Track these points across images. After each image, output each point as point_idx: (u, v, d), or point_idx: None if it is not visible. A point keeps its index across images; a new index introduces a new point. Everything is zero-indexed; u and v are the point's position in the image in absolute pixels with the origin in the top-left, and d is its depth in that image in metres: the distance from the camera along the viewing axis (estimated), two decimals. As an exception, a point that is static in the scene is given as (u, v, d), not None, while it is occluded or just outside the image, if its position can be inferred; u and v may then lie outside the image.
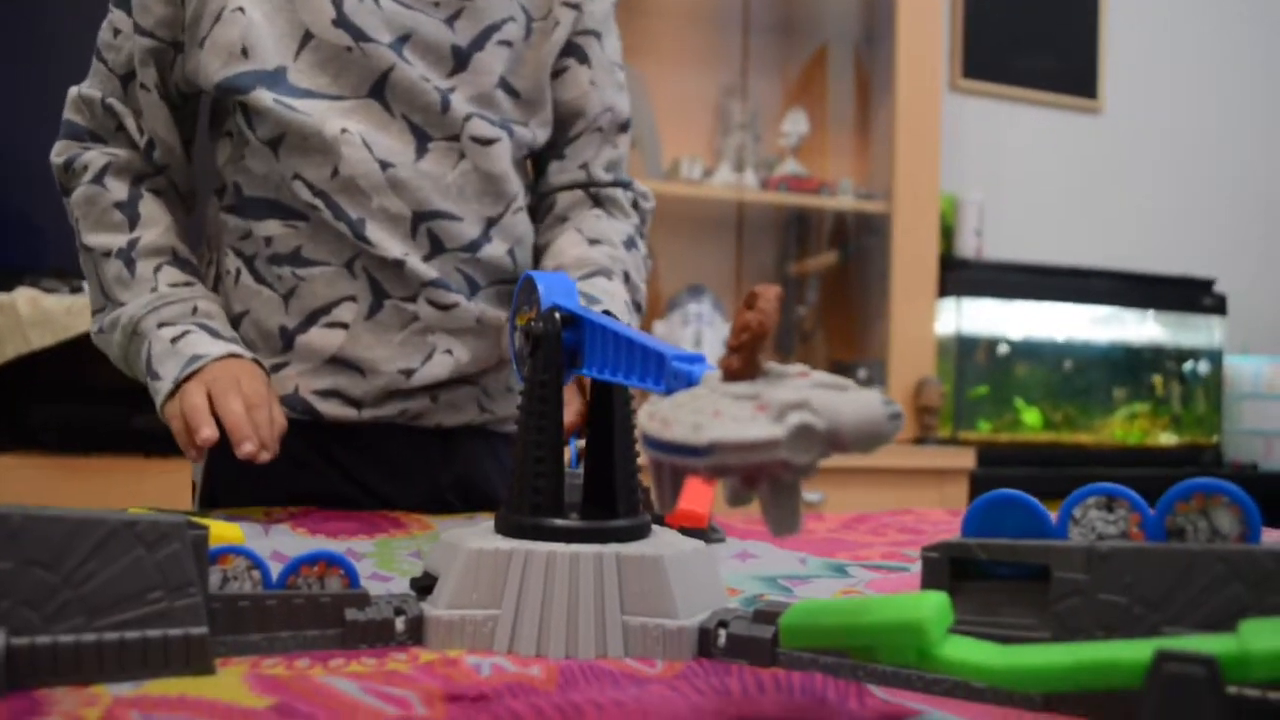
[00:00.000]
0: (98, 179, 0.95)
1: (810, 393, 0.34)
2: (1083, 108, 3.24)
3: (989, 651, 0.38)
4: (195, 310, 0.93)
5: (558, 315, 0.55)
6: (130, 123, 0.96)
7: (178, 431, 0.87)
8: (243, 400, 0.85)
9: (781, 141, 2.79)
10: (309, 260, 0.94)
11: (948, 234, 2.91)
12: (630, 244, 1.06)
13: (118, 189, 0.96)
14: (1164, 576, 0.42)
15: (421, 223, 0.95)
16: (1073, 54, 3.23)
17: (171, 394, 0.88)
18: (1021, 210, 3.14)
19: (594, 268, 1.00)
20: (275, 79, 0.91)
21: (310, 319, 0.95)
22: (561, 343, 0.54)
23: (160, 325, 0.91)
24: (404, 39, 0.93)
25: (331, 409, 0.96)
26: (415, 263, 0.94)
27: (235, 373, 0.88)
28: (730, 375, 0.38)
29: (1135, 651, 0.35)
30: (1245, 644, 0.34)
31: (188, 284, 0.95)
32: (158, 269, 0.94)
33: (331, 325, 0.95)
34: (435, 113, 0.94)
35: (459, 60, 0.96)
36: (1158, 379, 3.09)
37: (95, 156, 0.96)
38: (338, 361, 0.95)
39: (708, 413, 0.34)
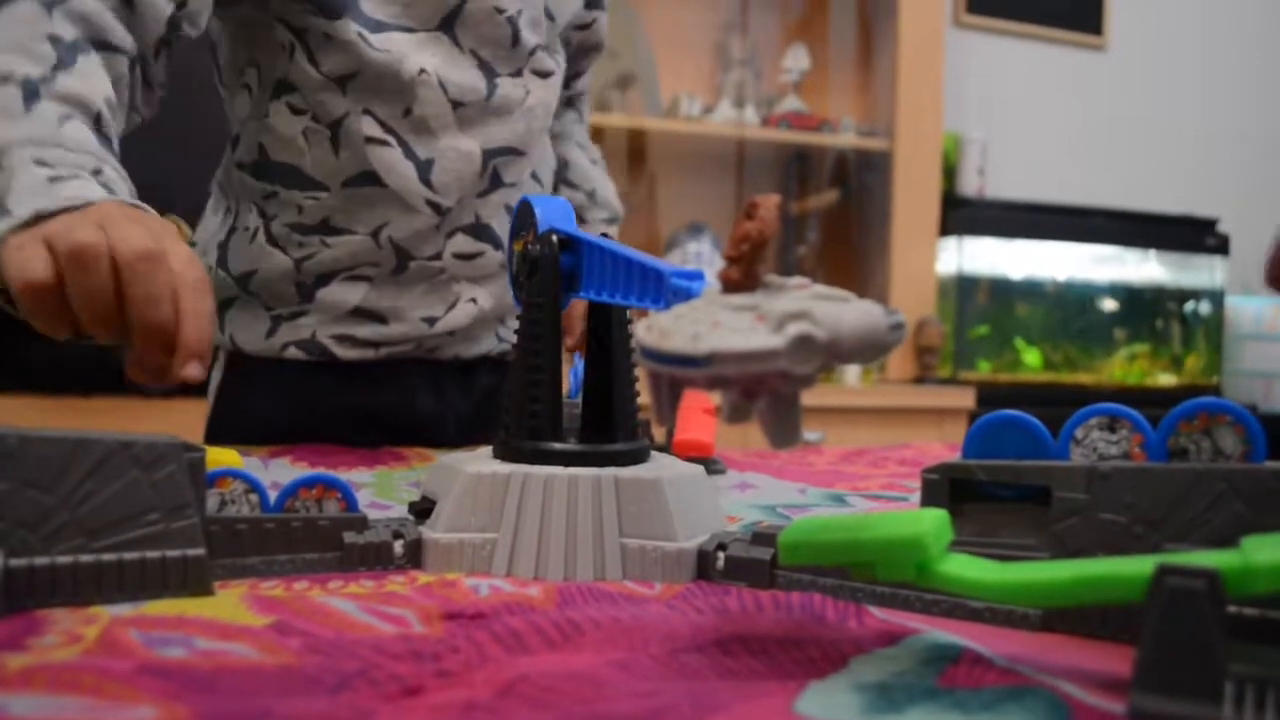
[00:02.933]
0: (48, 6, 0.69)
1: (810, 303, 0.33)
2: (1088, 44, 3.19)
3: (988, 568, 0.38)
4: (99, 172, 0.64)
5: (555, 238, 0.54)
6: None
7: (16, 269, 0.57)
8: (178, 291, 0.59)
9: (782, 78, 2.75)
10: (338, 229, 0.91)
11: (950, 172, 2.88)
12: (594, 160, 1.19)
13: (64, 29, 0.69)
14: (1165, 496, 0.42)
15: (491, 159, 0.93)
16: (1079, -11, 3.18)
17: (27, 225, 0.59)
18: (1025, 149, 3.11)
19: (612, 212, 1.16)
20: (347, 3, 0.85)
21: (329, 275, 0.93)
22: (559, 266, 0.53)
23: (39, 163, 0.62)
24: None
25: (346, 351, 0.95)
26: (432, 219, 0.92)
27: (153, 226, 0.60)
28: (730, 286, 0.37)
29: (1137, 566, 0.35)
30: (1248, 557, 0.33)
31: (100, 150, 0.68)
32: (66, 118, 0.66)
33: (353, 279, 0.93)
34: (505, 47, 0.92)
35: None
36: (1159, 320, 3.09)
37: None
38: (360, 312, 0.94)
39: (706, 323, 0.34)
